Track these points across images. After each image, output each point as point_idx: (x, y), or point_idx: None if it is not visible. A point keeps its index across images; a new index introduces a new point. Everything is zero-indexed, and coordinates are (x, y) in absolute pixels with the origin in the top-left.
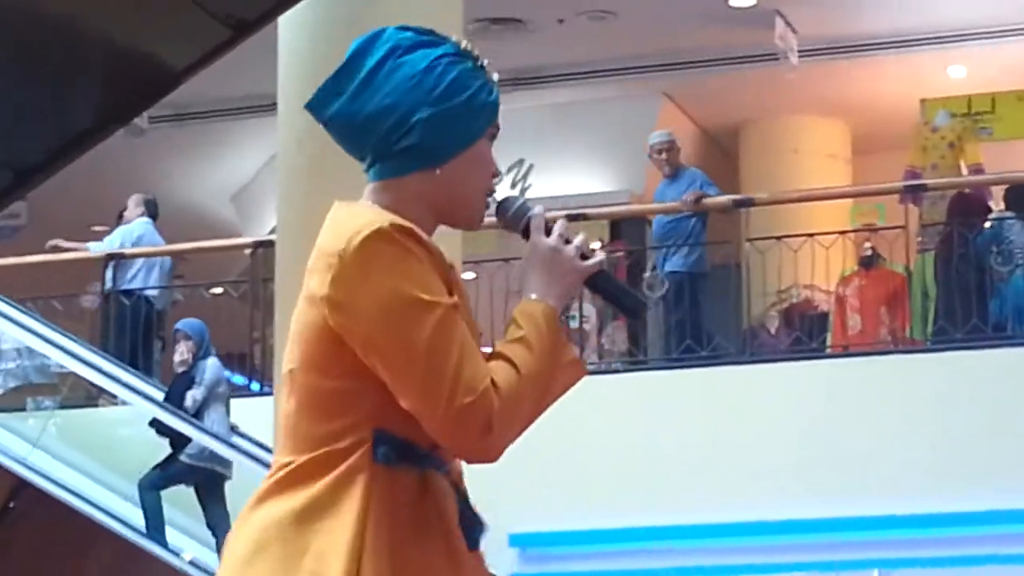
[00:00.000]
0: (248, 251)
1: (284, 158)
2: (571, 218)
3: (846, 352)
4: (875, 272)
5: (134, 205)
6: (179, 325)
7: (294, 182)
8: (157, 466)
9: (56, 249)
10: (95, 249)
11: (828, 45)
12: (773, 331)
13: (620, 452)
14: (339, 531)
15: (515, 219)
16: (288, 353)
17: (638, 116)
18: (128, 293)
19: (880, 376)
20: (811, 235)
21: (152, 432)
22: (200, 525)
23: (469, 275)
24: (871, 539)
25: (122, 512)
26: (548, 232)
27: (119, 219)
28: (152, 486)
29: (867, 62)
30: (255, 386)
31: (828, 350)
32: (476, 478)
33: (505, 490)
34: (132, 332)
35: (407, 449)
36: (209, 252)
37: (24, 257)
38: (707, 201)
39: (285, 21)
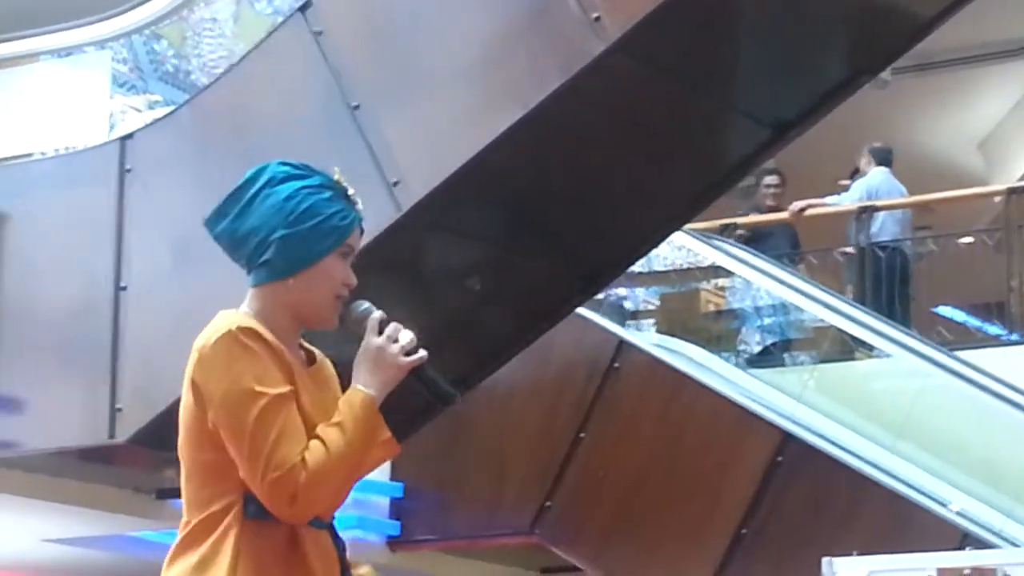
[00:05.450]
0: (998, 199)
1: None
2: None
3: None
4: None
5: (864, 157)
6: None
7: None
8: None
9: (800, 213)
10: (835, 203)
11: None
12: None
13: None
14: None
15: (356, 323)
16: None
17: None
18: (880, 245)
19: None
20: None
21: (911, 383)
22: (963, 475)
23: None
24: None
25: (888, 464)
26: (380, 333)
27: (853, 174)
28: None
29: None
30: (1014, 336)
31: None
32: None
33: None
34: (887, 283)
35: None
36: (956, 201)
37: (775, 215)
38: None
39: None
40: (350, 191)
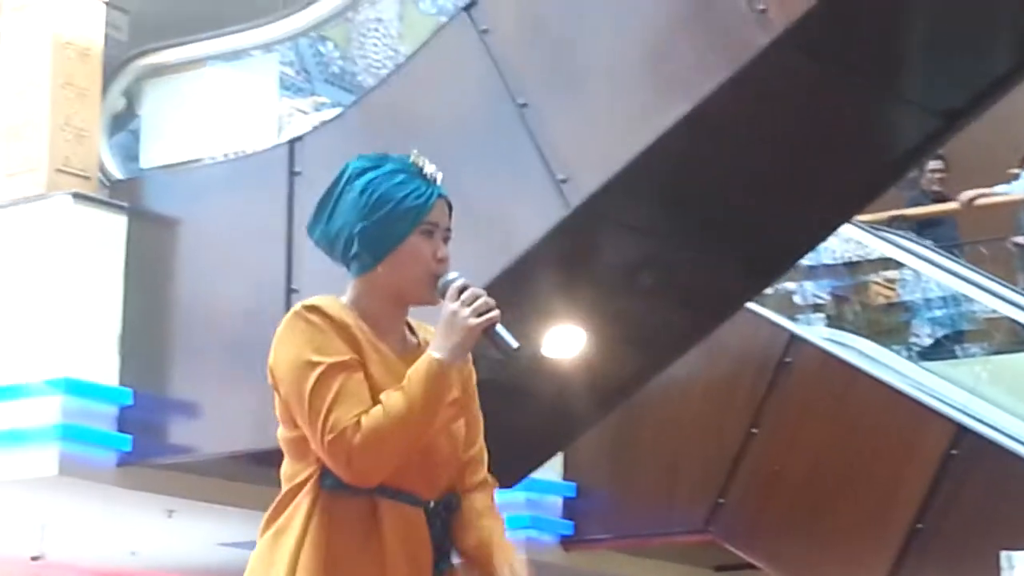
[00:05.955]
0: None
1: None
2: None
3: None
4: None
5: None
6: None
7: None
8: None
9: (970, 203)
10: (1005, 191)
11: None
12: None
13: None
14: (286, 547)
15: (441, 294)
16: None
17: None
18: None
19: None
20: None
21: None
22: None
23: None
24: None
25: None
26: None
27: (1022, 163)
28: None
29: None
30: None
31: None
32: None
33: None
34: None
35: None
36: None
37: (944, 205)
38: None
39: None
40: (427, 169)
